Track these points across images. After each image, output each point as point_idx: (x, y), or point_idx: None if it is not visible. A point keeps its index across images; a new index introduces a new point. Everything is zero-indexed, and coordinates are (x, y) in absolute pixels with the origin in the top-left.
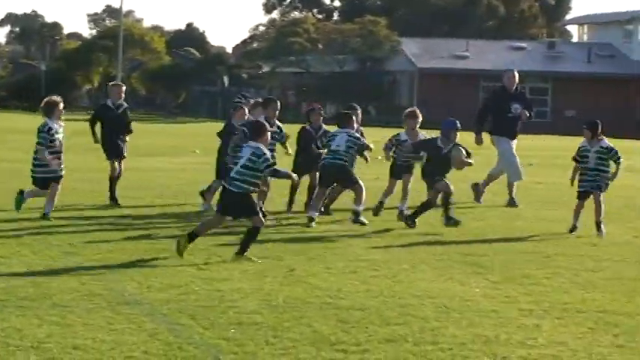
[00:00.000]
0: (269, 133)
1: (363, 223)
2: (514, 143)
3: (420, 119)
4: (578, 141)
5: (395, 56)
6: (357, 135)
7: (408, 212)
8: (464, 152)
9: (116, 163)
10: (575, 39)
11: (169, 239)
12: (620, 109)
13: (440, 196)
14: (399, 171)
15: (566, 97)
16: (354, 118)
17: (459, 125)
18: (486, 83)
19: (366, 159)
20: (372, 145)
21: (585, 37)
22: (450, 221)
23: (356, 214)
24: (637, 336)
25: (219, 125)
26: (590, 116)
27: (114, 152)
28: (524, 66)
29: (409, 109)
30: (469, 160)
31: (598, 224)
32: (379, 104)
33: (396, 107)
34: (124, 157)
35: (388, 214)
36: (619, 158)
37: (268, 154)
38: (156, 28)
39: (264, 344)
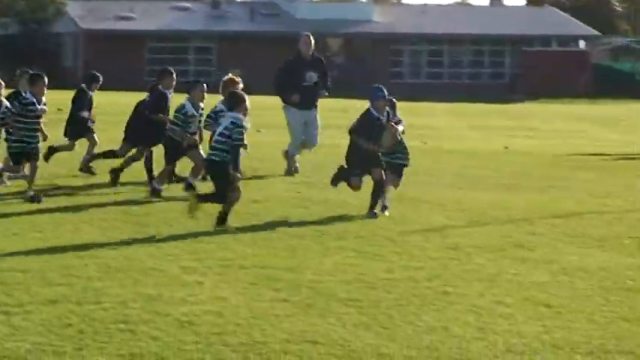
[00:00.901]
0: (247, 104)
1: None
2: (311, 113)
3: (241, 84)
4: None
5: (60, 18)
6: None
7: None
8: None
9: None
10: None
11: None
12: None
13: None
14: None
15: (231, 56)
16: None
17: (386, 94)
18: (153, 44)
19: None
20: None
21: None
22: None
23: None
24: (299, 290)
25: None
26: (256, 74)
27: None
28: (188, 26)
29: (228, 76)
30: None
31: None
32: (45, 67)
33: (62, 69)
34: None
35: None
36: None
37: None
38: None
39: None
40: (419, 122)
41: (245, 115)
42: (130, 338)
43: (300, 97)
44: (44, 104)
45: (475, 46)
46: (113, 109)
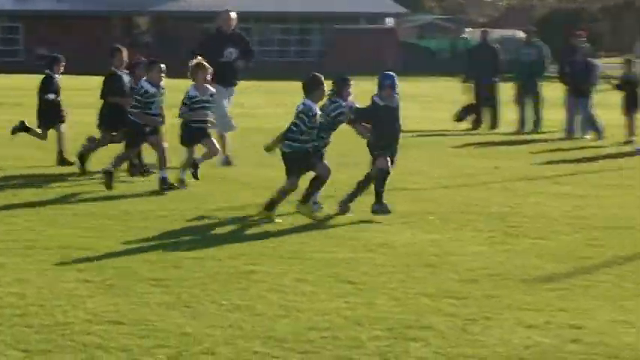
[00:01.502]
0: (324, 89)
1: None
2: (229, 90)
3: (211, 69)
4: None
5: None
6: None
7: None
8: None
9: None
10: None
11: None
12: (96, 46)
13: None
14: (196, 136)
15: (37, 35)
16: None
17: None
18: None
19: None
20: None
21: None
22: (381, 207)
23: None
24: (102, 270)
25: None
26: (62, 53)
27: None
28: None
29: (196, 61)
30: None
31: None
32: None
33: None
34: None
35: None
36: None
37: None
38: None
39: None
40: None
41: (319, 100)
42: None
43: (218, 74)
44: None
45: (283, 23)
46: None
